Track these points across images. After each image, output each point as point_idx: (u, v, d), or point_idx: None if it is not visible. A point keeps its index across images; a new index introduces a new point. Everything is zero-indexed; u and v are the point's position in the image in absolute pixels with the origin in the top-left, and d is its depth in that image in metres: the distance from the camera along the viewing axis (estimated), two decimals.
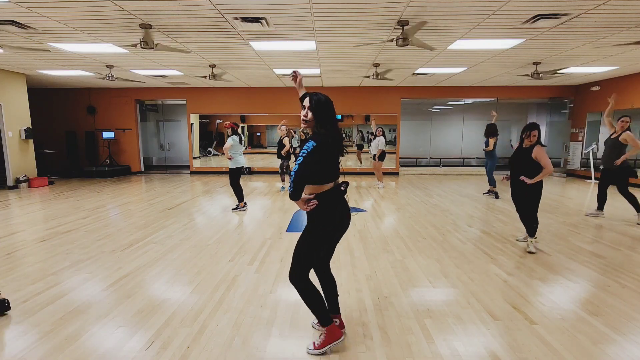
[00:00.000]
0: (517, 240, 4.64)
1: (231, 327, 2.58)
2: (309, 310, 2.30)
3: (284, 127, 7.92)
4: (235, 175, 6.35)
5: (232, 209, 6.48)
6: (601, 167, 6.12)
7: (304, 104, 2.17)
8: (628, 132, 5.42)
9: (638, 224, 5.49)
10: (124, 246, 4.44)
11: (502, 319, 2.68)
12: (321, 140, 2.06)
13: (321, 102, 2.13)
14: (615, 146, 5.51)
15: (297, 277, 2.22)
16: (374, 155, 8.96)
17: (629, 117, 5.50)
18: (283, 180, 8.71)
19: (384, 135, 8.87)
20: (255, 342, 2.40)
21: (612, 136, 5.61)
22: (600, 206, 5.91)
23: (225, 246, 4.44)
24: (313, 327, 2.61)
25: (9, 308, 2.81)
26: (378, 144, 8.74)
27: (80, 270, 3.66)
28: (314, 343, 2.34)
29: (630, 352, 2.28)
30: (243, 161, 6.40)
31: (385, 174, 11.88)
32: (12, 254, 4.18)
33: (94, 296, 3.08)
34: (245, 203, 6.53)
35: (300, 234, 2.27)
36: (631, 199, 5.53)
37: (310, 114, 2.13)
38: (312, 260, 2.26)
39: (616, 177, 5.60)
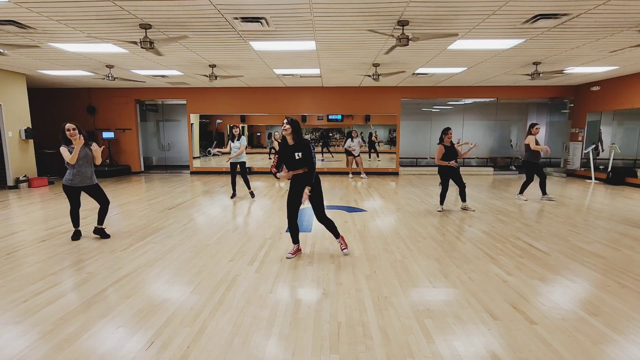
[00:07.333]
0: (462, 209, 6.46)
1: (231, 327, 2.58)
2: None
3: (277, 134, 10.08)
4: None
5: (252, 196, 7.69)
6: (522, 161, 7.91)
7: (284, 122, 3.70)
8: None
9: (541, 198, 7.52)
10: (124, 246, 4.44)
11: (502, 319, 2.68)
12: (309, 140, 3.80)
13: (295, 121, 3.73)
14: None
15: (325, 216, 3.98)
16: (352, 151, 10.88)
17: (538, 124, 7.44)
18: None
19: (357, 137, 10.94)
20: (255, 342, 2.40)
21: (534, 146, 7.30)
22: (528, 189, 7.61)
23: (225, 246, 4.44)
24: (339, 241, 4.19)
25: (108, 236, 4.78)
26: (351, 143, 10.68)
27: (80, 270, 3.66)
28: (343, 250, 4.12)
29: (630, 352, 2.28)
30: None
31: (385, 174, 11.98)
32: (12, 254, 4.18)
33: (94, 296, 3.07)
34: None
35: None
36: (525, 184, 7.46)
37: (289, 127, 3.69)
38: None
39: (538, 167, 7.42)
